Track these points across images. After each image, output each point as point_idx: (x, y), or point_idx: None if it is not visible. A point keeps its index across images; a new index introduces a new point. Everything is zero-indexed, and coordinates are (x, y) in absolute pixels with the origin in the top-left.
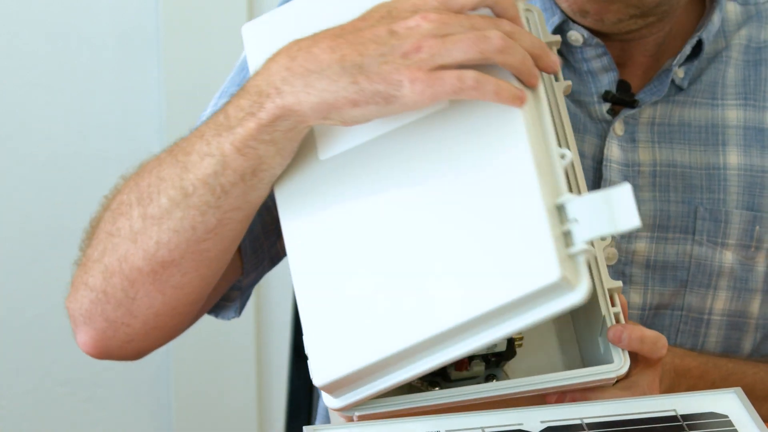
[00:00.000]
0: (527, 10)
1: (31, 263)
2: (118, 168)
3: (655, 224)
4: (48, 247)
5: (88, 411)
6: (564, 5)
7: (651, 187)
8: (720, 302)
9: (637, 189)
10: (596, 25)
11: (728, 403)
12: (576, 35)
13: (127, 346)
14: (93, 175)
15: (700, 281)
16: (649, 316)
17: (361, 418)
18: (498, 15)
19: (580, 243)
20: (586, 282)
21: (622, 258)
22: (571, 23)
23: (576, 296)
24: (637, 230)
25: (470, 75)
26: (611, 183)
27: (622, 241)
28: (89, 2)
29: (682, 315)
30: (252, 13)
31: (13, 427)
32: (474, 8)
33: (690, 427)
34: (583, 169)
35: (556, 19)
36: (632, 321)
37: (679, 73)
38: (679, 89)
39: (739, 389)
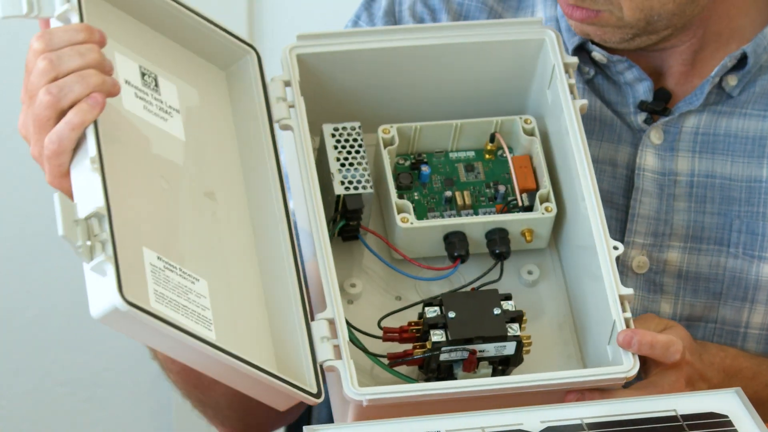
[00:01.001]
0: (543, 30)
1: (31, 263)
2: None
3: (689, 235)
4: (48, 247)
5: (88, 411)
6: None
7: (687, 198)
8: (758, 316)
9: (672, 198)
10: (605, 44)
11: (728, 403)
12: (599, 55)
13: (256, 428)
14: None
15: (735, 294)
16: None
17: (371, 402)
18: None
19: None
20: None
21: (653, 267)
22: (591, 44)
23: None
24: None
25: (49, 141)
26: (644, 192)
27: (654, 249)
28: None
29: (716, 328)
30: (252, 13)
31: (13, 427)
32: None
33: (690, 427)
34: (616, 177)
35: (576, 40)
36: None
37: (731, 80)
38: (729, 97)
39: (739, 389)
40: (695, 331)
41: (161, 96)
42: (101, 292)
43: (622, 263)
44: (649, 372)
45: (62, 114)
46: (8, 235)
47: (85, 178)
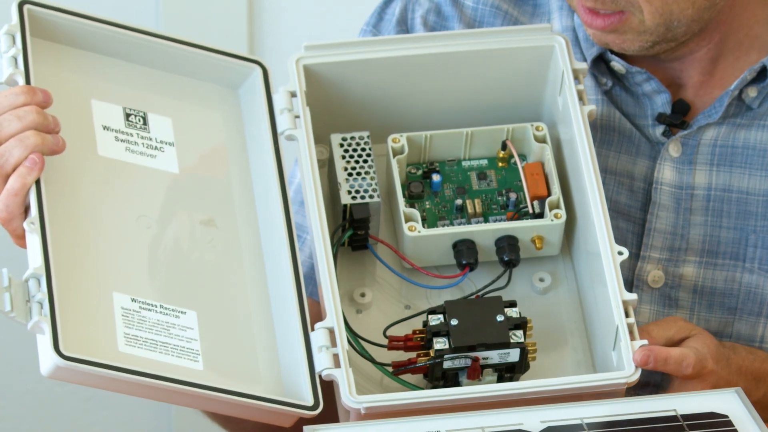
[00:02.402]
0: (552, 37)
1: None
2: None
3: (704, 249)
4: None
5: (88, 411)
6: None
7: (704, 212)
8: None
9: (688, 212)
10: (625, 53)
11: (728, 403)
12: (617, 66)
13: None
14: None
15: (750, 309)
16: None
17: (369, 410)
18: None
19: None
20: None
21: (668, 281)
22: (610, 54)
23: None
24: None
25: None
26: (661, 207)
27: (669, 264)
28: (89, 2)
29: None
30: (252, 14)
31: (13, 427)
32: None
33: (690, 427)
34: (634, 191)
35: (594, 51)
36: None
37: (751, 92)
38: (749, 109)
39: (739, 389)
40: None
41: (150, 133)
42: (43, 351)
43: (637, 277)
44: (673, 381)
45: (8, 179)
46: (8, 236)
47: (28, 239)
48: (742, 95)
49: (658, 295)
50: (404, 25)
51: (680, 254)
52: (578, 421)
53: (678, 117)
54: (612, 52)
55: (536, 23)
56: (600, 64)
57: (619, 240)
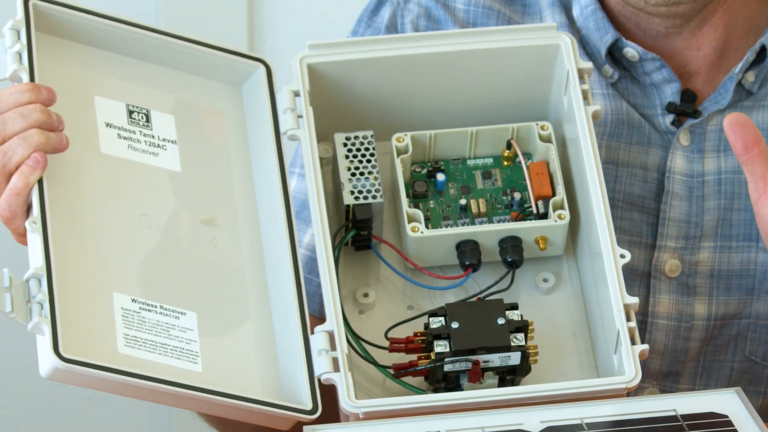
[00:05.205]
0: (558, 36)
1: None
2: None
3: (718, 233)
4: None
5: (88, 411)
6: None
7: (716, 196)
8: None
9: (701, 200)
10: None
11: (728, 403)
12: (632, 52)
13: None
14: None
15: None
16: (716, 327)
17: (367, 415)
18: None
19: None
20: None
21: (685, 270)
22: (624, 40)
23: None
24: None
25: (0, 209)
26: (674, 196)
27: (685, 252)
28: (89, 2)
29: (750, 323)
30: (252, 14)
31: (13, 427)
32: None
33: (690, 427)
34: (647, 181)
35: (609, 38)
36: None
37: (749, 77)
38: (749, 94)
39: (739, 389)
40: (730, 329)
41: (153, 131)
42: (43, 352)
43: (654, 268)
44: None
45: (11, 177)
46: (8, 234)
47: (29, 239)
48: (742, 81)
49: (675, 284)
50: (394, 31)
51: (695, 242)
52: (578, 421)
53: (690, 106)
54: (625, 39)
55: (528, 21)
56: (607, 56)
57: (635, 231)
